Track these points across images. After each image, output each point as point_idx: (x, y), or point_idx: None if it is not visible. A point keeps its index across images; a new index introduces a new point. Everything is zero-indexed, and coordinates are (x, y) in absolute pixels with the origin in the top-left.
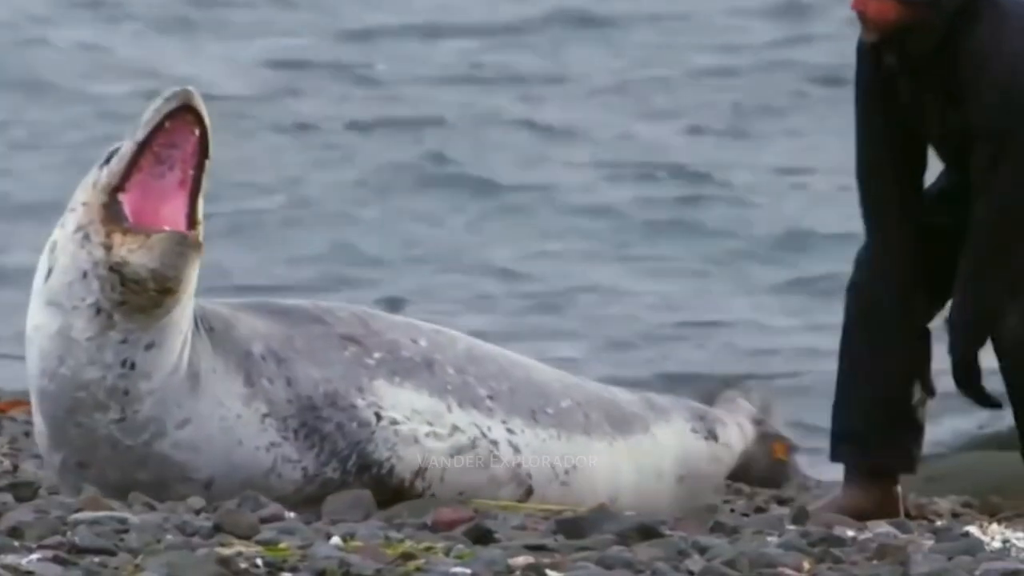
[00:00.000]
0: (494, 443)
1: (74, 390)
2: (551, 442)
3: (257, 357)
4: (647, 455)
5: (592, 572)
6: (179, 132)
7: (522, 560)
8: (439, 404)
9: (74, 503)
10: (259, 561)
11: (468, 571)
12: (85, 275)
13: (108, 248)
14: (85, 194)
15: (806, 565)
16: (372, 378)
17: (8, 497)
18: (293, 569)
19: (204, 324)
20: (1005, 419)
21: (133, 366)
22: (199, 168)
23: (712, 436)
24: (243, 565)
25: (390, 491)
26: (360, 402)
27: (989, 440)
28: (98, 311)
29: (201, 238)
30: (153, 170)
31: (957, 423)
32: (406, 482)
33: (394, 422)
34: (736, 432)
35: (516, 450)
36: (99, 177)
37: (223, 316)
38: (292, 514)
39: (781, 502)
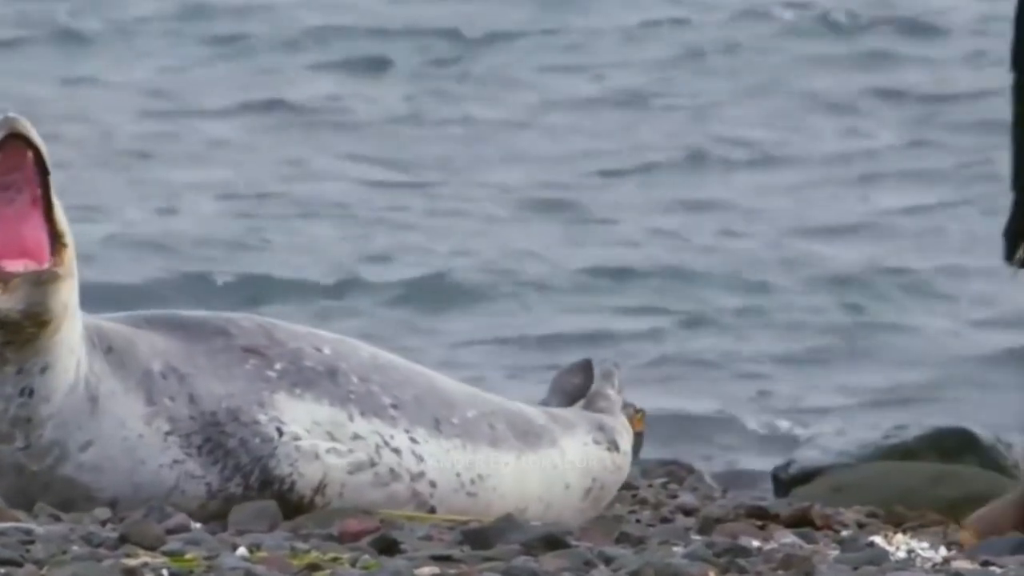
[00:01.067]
0: (396, 451)
1: None
2: (456, 452)
3: (157, 375)
4: (555, 468)
5: None
6: (13, 158)
7: (428, 571)
8: (340, 413)
9: None
10: (165, 572)
11: None
12: None
13: None
14: None
15: (711, 575)
16: (273, 391)
17: None
18: None
19: (102, 344)
20: (910, 430)
21: (31, 392)
22: (44, 186)
23: (614, 446)
24: None
25: (291, 507)
26: (262, 417)
27: (893, 450)
28: None
29: (64, 261)
30: (1, 199)
31: (862, 434)
32: (306, 499)
33: (296, 437)
34: (627, 435)
35: (420, 459)
36: None
37: (123, 334)
38: (198, 525)
39: (687, 512)
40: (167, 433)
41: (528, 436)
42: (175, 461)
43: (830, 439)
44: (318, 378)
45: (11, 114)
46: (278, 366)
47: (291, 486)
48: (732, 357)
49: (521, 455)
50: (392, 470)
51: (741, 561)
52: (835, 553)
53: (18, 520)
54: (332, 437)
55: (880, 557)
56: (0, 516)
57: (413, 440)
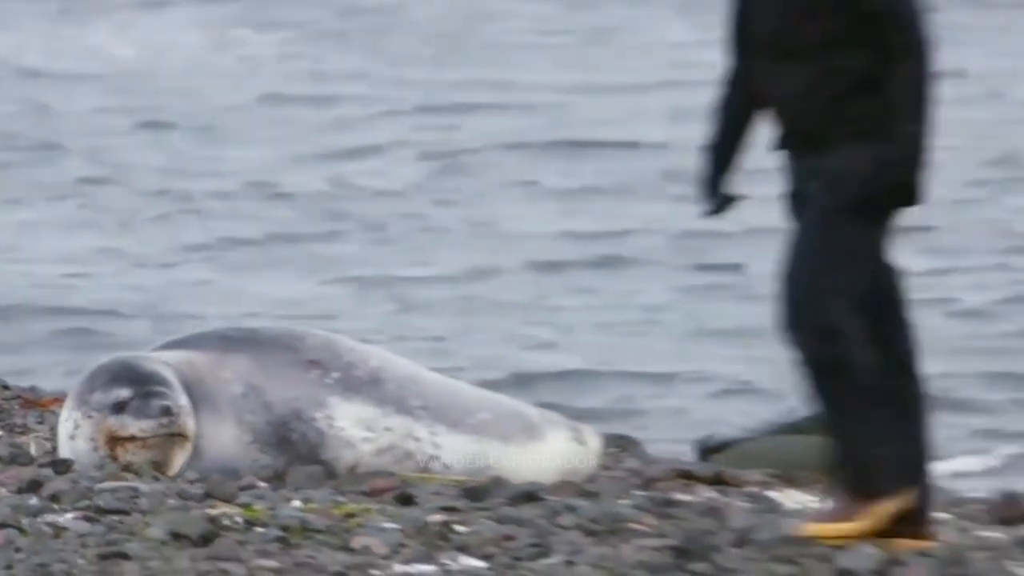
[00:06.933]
0: (418, 440)
1: None
2: (469, 444)
3: (240, 396)
4: (545, 458)
5: (489, 527)
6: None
7: (437, 517)
8: (378, 412)
9: (99, 475)
10: (239, 519)
11: (396, 526)
12: (101, 468)
13: (115, 458)
14: (97, 424)
15: (652, 520)
16: (329, 394)
17: (49, 472)
18: (264, 525)
19: (200, 395)
20: (801, 411)
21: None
22: None
23: (583, 442)
24: (226, 522)
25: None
26: (318, 415)
27: (788, 427)
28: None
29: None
30: None
31: (765, 414)
32: (342, 474)
33: (341, 429)
34: (594, 435)
35: (437, 447)
36: (109, 423)
37: (212, 373)
38: (264, 484)
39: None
40: (250, 443)
41: (529, 432)
42: (254, 460)
43: (739, 418)
44: (365, 385)
45: (173, 417)
46: (335, 375)
47: (332, 467)
48: None
49: (523, 447)
50: (407, 452)
51: (672, 511)
52: (745, 505)
53: (128, 480)
54: (370, 429)
55: (778, 507)
56: (115, 477)
57: (433, 433)
